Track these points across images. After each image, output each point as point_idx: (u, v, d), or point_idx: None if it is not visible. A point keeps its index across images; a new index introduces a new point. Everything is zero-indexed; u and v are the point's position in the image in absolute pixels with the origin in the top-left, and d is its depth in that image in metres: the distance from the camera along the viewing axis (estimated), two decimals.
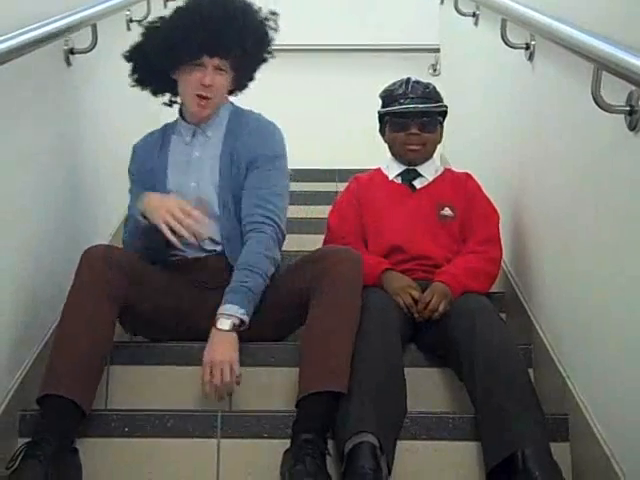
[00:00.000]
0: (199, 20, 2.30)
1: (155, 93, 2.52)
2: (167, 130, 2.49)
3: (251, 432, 2.06)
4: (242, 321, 2.14)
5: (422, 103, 2.55)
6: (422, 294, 2.34)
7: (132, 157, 2.48)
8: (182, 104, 2.45)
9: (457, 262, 2.43)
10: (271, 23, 2.41)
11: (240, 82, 2.48)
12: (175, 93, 2.47)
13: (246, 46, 2.36)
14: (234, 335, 2.13)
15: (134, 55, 2.42)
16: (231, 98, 2.50)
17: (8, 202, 2.11)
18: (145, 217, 2.23)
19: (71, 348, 2.03)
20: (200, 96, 2.34)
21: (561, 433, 2.07)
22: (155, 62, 2.37)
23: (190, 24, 2.30)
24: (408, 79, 2.61)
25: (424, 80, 2.66)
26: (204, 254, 2.35)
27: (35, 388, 2.03)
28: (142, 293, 2.22)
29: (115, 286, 2.12)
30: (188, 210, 2.18)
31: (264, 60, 2.46)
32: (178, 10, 2.38)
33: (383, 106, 2.63)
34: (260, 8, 2.41)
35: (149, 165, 2.42)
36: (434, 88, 2.63)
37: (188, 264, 2.34)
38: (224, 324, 2.12)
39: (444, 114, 2.62)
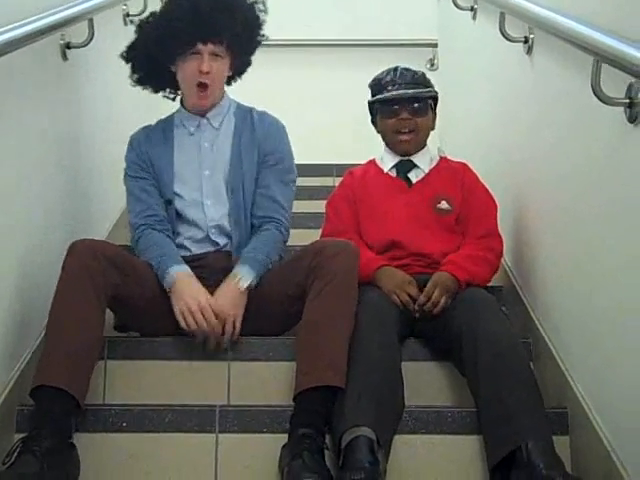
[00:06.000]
0: (189, 9, 2.33)
1: (156, 90, 2.52)
2: (166, 124, 2.49)
3: (249, 427, 2.06)
4: (250, 285, 2.26)
5: (411, 89, 2.53)
6: (419, 291, 2.32)
7: (130, 146, 2.46)
8: (183, 96, 2.47)
9: (458, 253, 2.42)
10: (260, 5, 2.45)
11: (237, 67, 2.50)
12: (176, 87, 2.48)
13: (237, 30, 2.38)
14: (245, 296, 2.24)
15: (131, 54, 2.43)
16: (232, 96, 2.52)
17: (3, 198, 2.10)
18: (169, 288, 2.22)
19: (59, 338, 2.01)
20: (200, 85, 2.37)
21: (560, 427, 2.06)
22: (152, 57, 2.38)
23: (181, 14, 2.34)
24: (397, 67, 2.59)
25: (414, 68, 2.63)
26: (208, 250, 2.35)
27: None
28: (132, 284, 2.20)
29: (102, 276, 2.10)
30: (210, 317, 2.17)
31: (258, 42, 2.49)
32: (168, 3, 2.41)
33: (372, 95, 2.61)
34: None
35: (152, 155, 2.42)
36: (423, 74, 2.61)
37: (190, 261, 2.32)
38: (244, 283, 2.23)
39: (435, 100, 2.60)
